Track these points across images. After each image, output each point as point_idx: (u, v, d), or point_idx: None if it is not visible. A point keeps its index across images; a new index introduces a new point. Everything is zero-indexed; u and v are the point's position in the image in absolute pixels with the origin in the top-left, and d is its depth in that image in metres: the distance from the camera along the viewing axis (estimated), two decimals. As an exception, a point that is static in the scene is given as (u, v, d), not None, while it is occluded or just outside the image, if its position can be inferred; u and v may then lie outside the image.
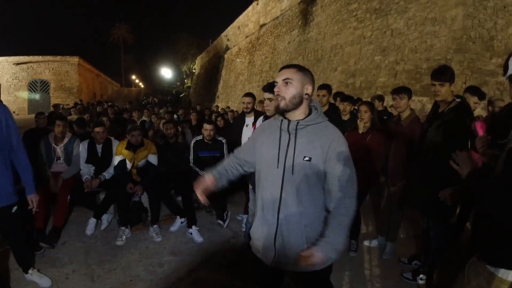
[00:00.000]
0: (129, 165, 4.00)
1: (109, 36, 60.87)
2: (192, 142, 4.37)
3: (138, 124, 5.98)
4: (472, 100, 3.44)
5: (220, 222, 4.07)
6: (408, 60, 7.87)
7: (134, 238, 3.73)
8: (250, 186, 3.33)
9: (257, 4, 19.40)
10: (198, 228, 3.80)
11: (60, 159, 4.05)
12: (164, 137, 4.49)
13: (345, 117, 4.15)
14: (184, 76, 43.41)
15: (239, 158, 1.78)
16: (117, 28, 60.88)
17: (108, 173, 4.08)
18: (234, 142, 4.29)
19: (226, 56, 25.72)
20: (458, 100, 2.56)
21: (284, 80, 1.51)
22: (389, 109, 5.81)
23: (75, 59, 27.33)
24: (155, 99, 28.22)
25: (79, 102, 15.48)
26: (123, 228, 3.70)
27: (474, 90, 3.54)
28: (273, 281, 1.79)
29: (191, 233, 3.74)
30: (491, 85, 5.90)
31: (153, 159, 4.14)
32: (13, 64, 25.80)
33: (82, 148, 4.11)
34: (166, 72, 43.03)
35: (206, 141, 4.29)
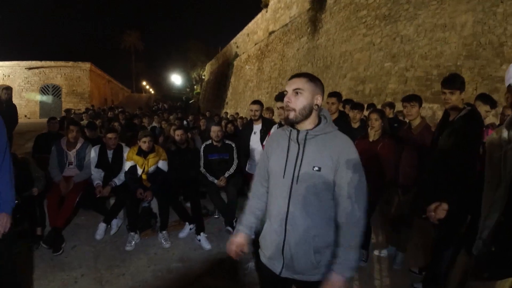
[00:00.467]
0: (139, 171, 4.05)
1: (121, 43, 61.88)
2: (202, 147, 4.44)
3: (149, 130, 6.05)
4: (483, 108, 3.40)
5: (229, 228, 4.06)
6: (418, 66, 7.82)
7: (143, 243, 3.75)
8: None
9: (266, 12, 19.55)
10: (206, 235, 3.81)
11: (72, 164, 4.11)
12: (175, 143, 4.54)
13: (355, 125, 4.13)
14: (194, 83, 43.82)
15: (261, 183, 1.73)
16: (128, 35, 61.89)
17: (119, 180, 4.13)
18: (243, 149, 4.34)
19: (235, 63, 25.90)
20: (468, 108, 2.54)
21: (294, 90, 1.48)
22: (399, 116, 5.77)
23: (87, 65, 27.73)
24: (164, 105, 28.50)
25: (91, 108, 15.72)
26: (132, 233, 3.72)
27: (486, 99, 3.50)
28: None
29: (199, 240, 3.74)
30: (502, 92, 5.80)
31: (163, 165, 4.17)
32: (25, 68, 26.20)
33: (93, 153, 4.17)
34: (176, 79, 43.53)
35: (215, 143, 4.35)
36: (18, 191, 3.59)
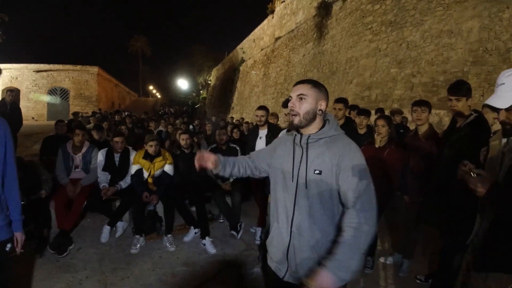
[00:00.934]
0: (145, 174, 4.07)
1: (128, 48, 62.59)
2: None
3: (155, 134, 6.09)
4: (491, 115, 3.36)
5: (234, 233, 4.06)
6: (424, 72, 7.79)
7: (148, 247, 3.76)
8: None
9: (272, 18, 19.65)
10: (211, 240, 3.81)
11: (78, 168, 4.15)
12: (179, 148, 4.57)
13: (362, 131, 4.11)
14: (200, 87, 44.04)
15: (253, 162, 1.80)
16: (136, 40, 62.62)
17: (125, 182, 4.16)
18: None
19: (241, 68, 26.00)
20: (475, 114, 2.53)
21: (298, 95, 1.52)
22: (404, 122, 5.74)
23: (95, 69, 28.00)
24: (171, 109, 28.66)
25: (98, 111, 15.85)
26: (137, 236, 3.74)
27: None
28: None
29: (204, 244, 3.74)
30: (510, 99, 5.76)
31: (169, 169, 4.19)
32: (33, 71, 26.42)
33: (100, 156, 4.21)
34: (183, 83, 43.74)
35: (220, 147, 4.38)
36: (26, 194, 3.66)
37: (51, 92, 26.81)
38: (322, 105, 1.54)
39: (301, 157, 1.53)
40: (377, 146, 3.24)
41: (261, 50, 21.33)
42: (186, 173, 4.37)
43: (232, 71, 28.44)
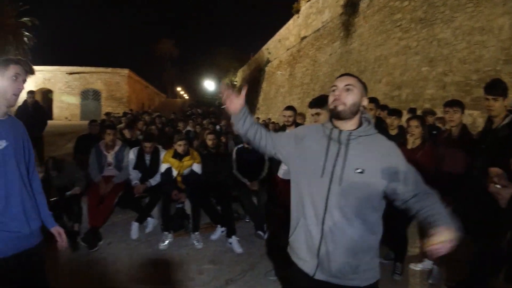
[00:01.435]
0: (174, 173, 4.19)
1: (156, 50, 64.27)
2: (234, 150, 4.54)
3: (184, 134, 6.24)
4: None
5: (260, 233, 4.07)
6: (457, 71, 7.46)
7: (176, 243, 3.85)
8: None
9: (298, 17, 19.50)
10: (238, 239, 3.84)
11: (110, 166, 4.33)
12: (206, 148, 4.66)
13: (393, 132, 3.99)
14: (226, 88, 44.41)
15: (273, 140, 1.70)
16: (163, 43, 64.24)
17: (154, 180, 4.30)
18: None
19: (267, 68, 26.01)
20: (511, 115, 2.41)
21: (346, 85, 1.48)
22: (437, 123, 5.53)
23: (125, 71, 28.93)
24: (198, 110, 29.15)
25: (129, 112, 16.38)
26: (166, 233, 3.84)
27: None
28: None
29: (230, 243, 3.79)
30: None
31: (197, 168, 4.29)
32: (66, 73, 27.49)
33: (132, 155, 4.37)
34: (209, 84, 44.35)
35: (246, 146, 4.47)
36: (59, 191, 3.86)
37: (84, 93, 27.92)
38: (365, 101, 1.52)
39: (337, 153, 1.47)
40: (409, 147, 3.14)
41: (287, 50, 21.23)
42: (211, 173, 4.44)
43: (258, 71, 28.50)
